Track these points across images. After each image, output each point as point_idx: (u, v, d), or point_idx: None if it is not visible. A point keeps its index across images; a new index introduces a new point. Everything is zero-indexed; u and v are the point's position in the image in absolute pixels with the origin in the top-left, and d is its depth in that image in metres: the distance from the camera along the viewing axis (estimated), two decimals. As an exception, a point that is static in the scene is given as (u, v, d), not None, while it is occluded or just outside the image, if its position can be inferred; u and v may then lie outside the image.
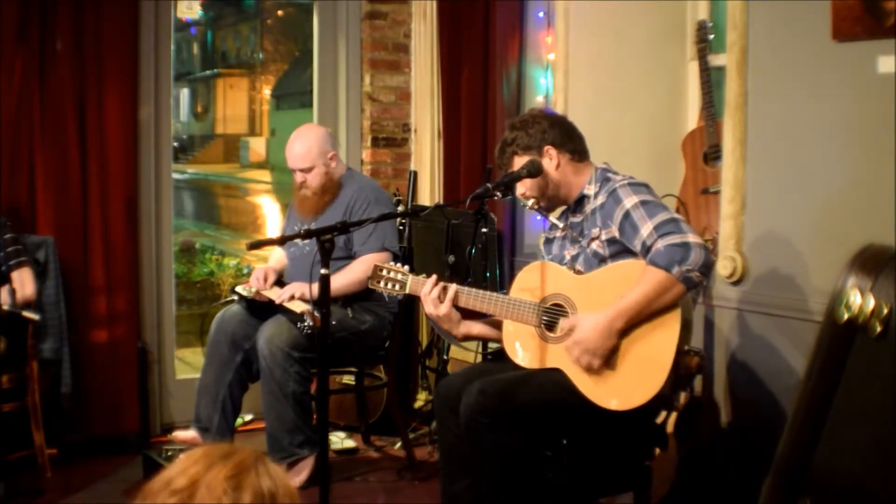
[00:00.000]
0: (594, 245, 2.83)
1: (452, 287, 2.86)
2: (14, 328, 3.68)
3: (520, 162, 2.90)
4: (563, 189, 2.92)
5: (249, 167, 9.54)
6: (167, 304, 4.48)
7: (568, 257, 2.93)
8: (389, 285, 2.96)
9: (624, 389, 2.67)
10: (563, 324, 2.75)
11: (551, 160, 2.90)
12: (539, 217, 4.57)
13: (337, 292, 3.62)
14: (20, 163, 3.94)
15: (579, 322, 2.70)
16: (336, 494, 3.30)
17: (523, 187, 2.91)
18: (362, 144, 4.97)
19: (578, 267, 2.87)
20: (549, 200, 2.94)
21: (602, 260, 2.81)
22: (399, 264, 3.00)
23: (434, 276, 2.89)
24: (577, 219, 2.94)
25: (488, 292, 2.88)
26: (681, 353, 2.68)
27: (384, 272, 2.96)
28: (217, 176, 9.84)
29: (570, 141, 2.94)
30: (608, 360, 2.68)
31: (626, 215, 2.74)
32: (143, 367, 4.27)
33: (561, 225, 2.97)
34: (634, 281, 2.66)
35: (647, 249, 2.68)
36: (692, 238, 2.63)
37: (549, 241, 3.07)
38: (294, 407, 3.68)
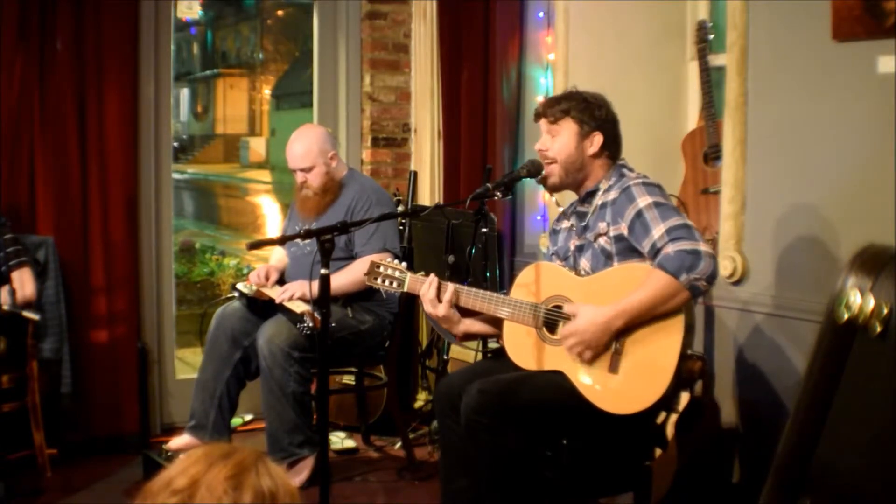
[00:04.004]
0: (601, 241, 2.82)
1: (450, 288, 2.86)
2: (14, 328, 3.68)
3: (564, 124, 2.88)
4: (582, 174, 2.90)
5: (249, 167, 9.55)
6: (167, 304, 4.48)
7: (572, 248, 2.93)
8: (387, 282, 2.95)
9: (626, 394, 2.66)
10: (566, 308, 2.75)
11: (591, 146, 2.89)
12: (539, 217, 4.59)
13: (338, 292, 3.63)
14: (20, 163, 3.94)
15: (579, 312, 2.70)
16: (336, 494, 3.31)
17: (557, 144, 2.88)
18: (362, 144, 4.96)
19: (584, 260, 2.87)
20: (565, 172, 2.90)
21: (609, 256, 2.81)
22: (397, 261, 3.00)
23: (433, 276, 2.88)
24: (583, 209, 2.93)
25: (489, 292, 2.88)
26: (683, 358, 2.67)
27: (381, 269, 2.96)
28: (217, 176, 9.86)
29: (615, 143, 2.93)
30: (611, 363, 2.68)
31: (639, 214, 2.72)
32: (143, 367, 4.27)
33: (566, 210, 2.98)
34: (637, 284, 2.65)
35: (656, 251, 2.66)
36: (703, 247, 2.62)
37: (555, 232, 3.06)
38: (294, 407, 3.68)
